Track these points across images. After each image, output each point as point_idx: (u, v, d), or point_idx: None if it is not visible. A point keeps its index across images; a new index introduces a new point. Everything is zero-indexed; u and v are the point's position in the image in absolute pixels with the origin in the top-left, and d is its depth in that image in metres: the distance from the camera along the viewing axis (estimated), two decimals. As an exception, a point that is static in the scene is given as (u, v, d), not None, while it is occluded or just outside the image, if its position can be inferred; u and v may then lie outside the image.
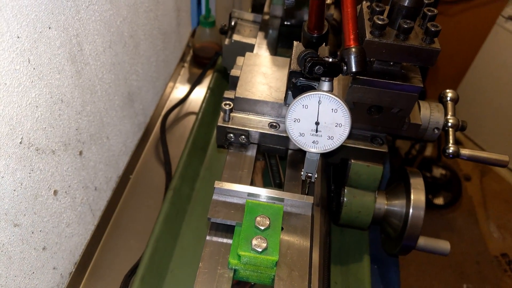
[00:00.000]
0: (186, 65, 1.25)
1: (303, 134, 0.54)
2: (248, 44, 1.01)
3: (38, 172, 0.61)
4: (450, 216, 2.37)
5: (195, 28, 1.30)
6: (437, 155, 2.45)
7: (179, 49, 1.20)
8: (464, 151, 0.71)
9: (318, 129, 0.54)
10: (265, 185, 0.86)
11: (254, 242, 0.53)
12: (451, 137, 0.72)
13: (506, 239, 2.22)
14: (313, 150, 0.55)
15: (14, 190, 0.57)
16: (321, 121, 0.53)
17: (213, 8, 1.35)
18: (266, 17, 1.00)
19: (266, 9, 1.03)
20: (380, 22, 0.54)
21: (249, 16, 1.09)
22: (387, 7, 0.58)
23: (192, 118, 1.10)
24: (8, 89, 0.53)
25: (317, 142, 0.55)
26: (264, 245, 0.52)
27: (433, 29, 0.54)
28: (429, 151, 2.57)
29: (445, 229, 2.32)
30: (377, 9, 0.57)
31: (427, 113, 0.72)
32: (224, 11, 1.45)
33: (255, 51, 0.92)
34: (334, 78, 0.53)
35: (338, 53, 0.54)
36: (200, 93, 1.16)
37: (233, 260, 0.53)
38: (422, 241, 0.76)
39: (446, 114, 0.74)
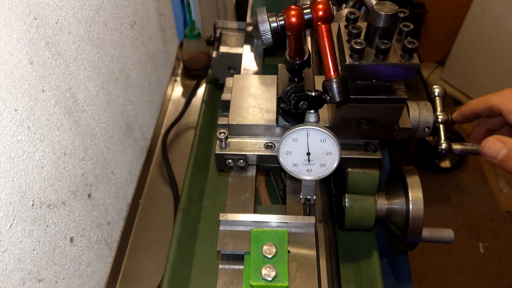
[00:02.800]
0: (178, 78, 1.26)
1: (296, 165, 0.57)
2: (235, 54, 1.02)
3: (52, 226, 0.65)
4: (459, 177, 2.39)
5: (182, 39, 1.31)
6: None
7: (169, 66, 1.21)
8: (456, 146, 0.73)
9: (310, 159, 0.56)
10: (270, 192, 0.89)
11: (264, 271, 0.56)
12: (442, 133, 0.74)
13: (517, 193, 2.24)
14: (307, 178, 0.58)
15: (34, 250, 0.60)
16: (312, 152, 0.55)
17: (198, 19, 1.35)
18: (250, 28, 1.01)
19: (248, 19, 1.03)
20: (358, 47, 0.56)
21: (233, 24, 1.10)
22: (364, 27, 0.59)
23: (192, 130, 1.12)
24: (14, 161, 0.55)
25: (310, 170, 0.57)
26: (273, 273, 0.56)
27: (410, 47, 0.56)
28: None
29: (455, 191, 2.34)
30: (354, 31, 0.58)
31: (416, 114, 0.73)
32: (210, 20, 1.45)
33: (243, 65, 0.94)
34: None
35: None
36: (195, 102, 1.17)
37: (247, 290, 0.57)
38: (427, 232, 0.79)
39: (435, 110, 0.75)
